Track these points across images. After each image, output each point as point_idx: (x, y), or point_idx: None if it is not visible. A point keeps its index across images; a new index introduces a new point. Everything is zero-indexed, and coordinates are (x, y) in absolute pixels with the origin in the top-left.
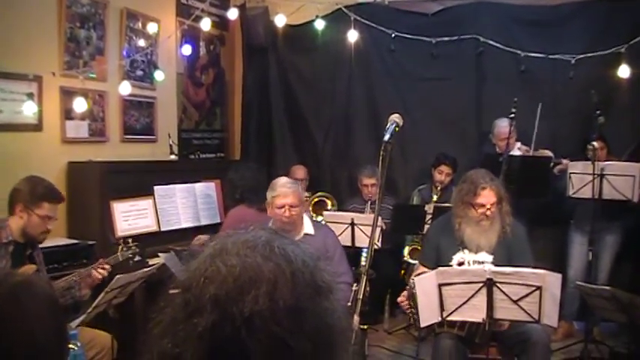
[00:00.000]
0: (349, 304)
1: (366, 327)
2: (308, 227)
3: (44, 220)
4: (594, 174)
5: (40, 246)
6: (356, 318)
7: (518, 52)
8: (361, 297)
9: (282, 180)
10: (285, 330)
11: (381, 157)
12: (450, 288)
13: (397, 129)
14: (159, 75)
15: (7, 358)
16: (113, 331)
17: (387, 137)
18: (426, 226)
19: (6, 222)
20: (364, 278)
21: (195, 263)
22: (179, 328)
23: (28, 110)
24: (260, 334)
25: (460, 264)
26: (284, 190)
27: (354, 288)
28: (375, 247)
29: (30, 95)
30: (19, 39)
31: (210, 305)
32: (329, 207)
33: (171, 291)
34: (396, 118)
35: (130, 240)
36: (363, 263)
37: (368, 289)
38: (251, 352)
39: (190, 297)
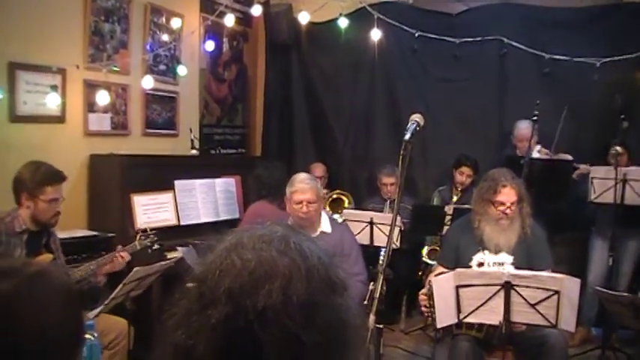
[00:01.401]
0: (365, 302)
1: (382, 326)
2: (325, 225)
3: (51, 204)
4: (617, 179)
5: (60, 237)
6: (372, 317)
7: (543, 54)
8: (377, 296)
9: (302, 176)
10: (298, 324)
11: (401, 157)
12: (468, 290)
13: (418, 129)
14: (181, 70)
15: (21, 349)
16: (130, 320)
17: (407, 136)
18: (445, 227)
19: (17, 211)
20: (381, 277)
21: (211, 256)
22: (193, 319)
23: (52, 102)
24: (273, 328)
25: (480, 265)
26: (302, 186)
27: (370, 287)
28: (394, 246)
29: (54, 87)
30: (44, 32)
31: (225, 298)
32: (346, 205)
33: (188, 284)
34: (417, 117)
35: (147, 229)
36: (381, 262)
37: (384, 288)
38: (263, 346)
39: (205, 289)
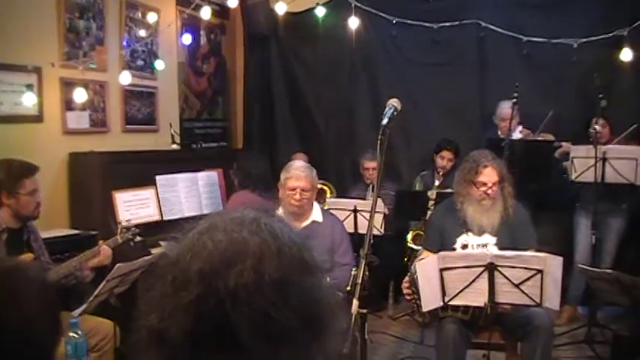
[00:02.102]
0: (348, 288)
1: (365, 311)
2: (317, 214)
3: (32, 196)
4: (596, 158)
5: (43, 237)
6: (355, 302)
7: (521, 36)
8: (360, 281)
9: (298, 163)
10: (270, 303)
11: (379, 142)
12: (452, 272)
13: (395, 113)
14: (159, 64)
15: None
16: (116, 320)
17: (385, 121)
18: (429, 212)
19: None
20: (363, 262)
21: (185, 240)
22: (166, 302)
23: (28, 102)
24: (244, 307)
25: (464, 247)
26: (297, 173)
27: (352, 272)
28: (378, 232)
29: (29, 87)
30: (18, 30)
31: (196, 279)
32: (328, 195)
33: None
34: (394, 102)
35: (128, 223)
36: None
37: (367, 273)
38: (235, 325)
39: (177, 272)
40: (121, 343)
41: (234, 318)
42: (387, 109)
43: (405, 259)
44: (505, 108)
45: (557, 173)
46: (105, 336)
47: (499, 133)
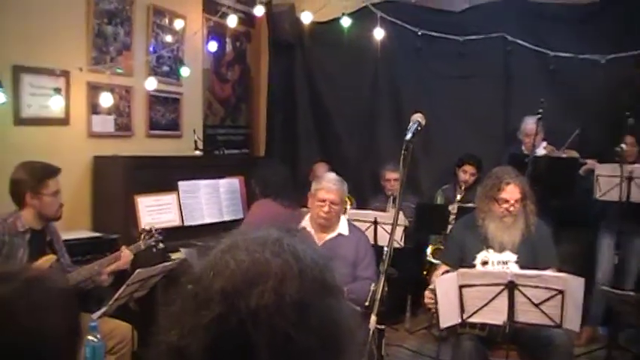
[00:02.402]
0: (367, 303)
1: (383, 327)
2: (343, 227)
3: (55, 197)
4: (622, 177)
5: (64, 238)
6: (373, 318)
7: (547, 51)
8: (379, 297)
9: (331, 175)
10: (290, 324)
11: (402, 157)
12: (471, 289)
13: (420, 129)
14: (185, 71)
15: (17, 353)
16: (134, 323)
17: (408, 136)
18: (450, 226)
19: (19, 212)
20: (382, 278)
21: (207, 258)
22: (186, 319)
23: (56, 105)
24: (265, 328)
25: (484, 263)
26: (329, 186)
27: (371, 287)
28: (398, 245)
29: (57, 90)
30: (48, 35)
31: (218, 298)
32: (348, 207)
33: (185, 284)
34: (418, 117)
35: (152, 229)
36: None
37: (386, 289)
38: (256, 345)
39: (199, 289)
40: (139, 346)
41: (254, 338)
42: (411, 123)
43: (424, 273)
44: (530, 123)
45: (582, 191)
46: (123, 339)
47: (523, 148)
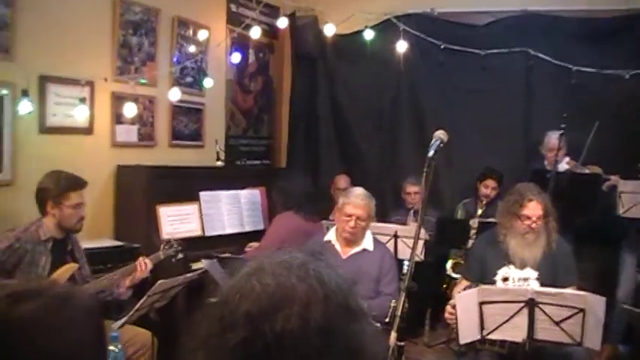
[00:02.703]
0: (387, 320)
1: (403, 344)
2: (368, 243)
3: (76, 209)
4: None
5: (86, 246)
6: (393, 334)
7: (570, 66)
8: (399, 314)
9: (359, 190)
10: (315, 350)
11: (424, 173)
12: (491, 306)
13: (442, 145)
14: (208, 82)
15: None
16: (154, 330)
17: (431, 153)
18: (470, 241)
19: (42, 220)
20: (403, 295)
21: (233, 280)
22: (212, 342)
23: (80, 114)
24: (290, 353)
25: (505, 279)
26: (356, 201)
27: (392, 304)
28: (418, 259)
29: (82, 100)
30: (74, 45)
31: (243, 321)
32: None
33: (211, 300)
34: (440, 134)
35: (172, 239)
36: (404, 271)
37: (407, 305)
38: None
39: (225, 312)
40: (159, 354)
41: None
42: (433, 140)
43: (444, 287)
44: (553, 138)
45: (604, 207)
46: (142, 346)
47: (545, 163)
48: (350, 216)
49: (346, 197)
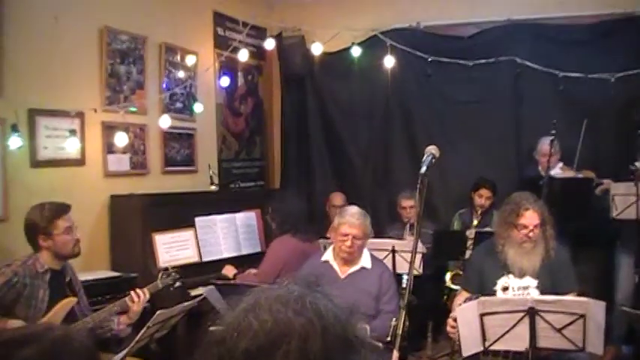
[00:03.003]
0: (388, 339)
1: None
2: (366, 261)
3: (68, 234)
4: (638, 195)
5: (83, 278)
6: (395, 354)
7: (557, 72)
8: (400, 332)
9: (353, 209)
10: None
11: (417, 189)
12: (492, 317)
13: (434, 161)
14: (198, 107)
15: None
16: None
17: (423, 169)
18: (468, 252)
19: (37, 254)
20: (403, 312)
21: (230, 317)
22: None
23: (71, 146)
24: None
25: (504, 289)
26: (352, 221)
27: (392, 323)
28: (416, 273)
29: (72, 132)
30: (62, 77)
31: (243, 359)
32: None
33: (210, 328)
34: (432, 150)
35: (169, 267)
36: (403, 285)
37: (407, 323)
38: None
39: (224, 351)
40: None
41: None
42: (425, 156)
43: (445, 298)
44: (545, 144)
45: (598, 210)
46: None
47: (539, 169)
48: (346, 235)
49: (341, 217)
